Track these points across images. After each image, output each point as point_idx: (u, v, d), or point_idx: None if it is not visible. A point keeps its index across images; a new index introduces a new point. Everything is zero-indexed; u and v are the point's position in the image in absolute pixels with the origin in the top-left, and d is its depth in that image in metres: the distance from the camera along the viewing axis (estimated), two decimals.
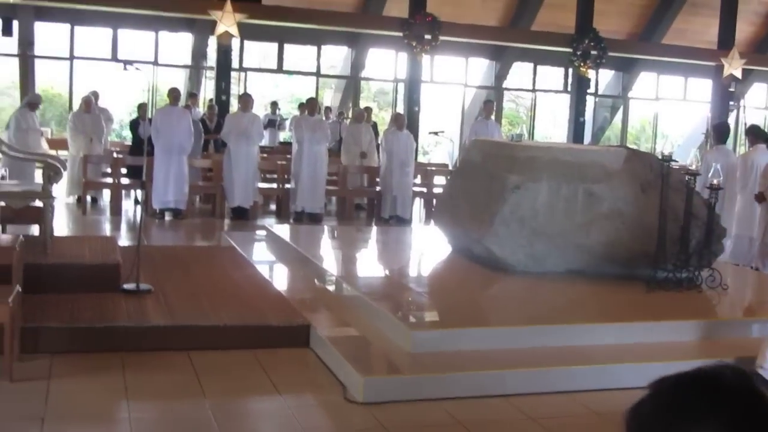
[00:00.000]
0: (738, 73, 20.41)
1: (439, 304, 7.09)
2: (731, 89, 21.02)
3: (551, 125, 26.94)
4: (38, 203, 7.38)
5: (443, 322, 6.48)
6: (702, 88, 23.23)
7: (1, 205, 7.50)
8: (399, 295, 7.19)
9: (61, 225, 11.06)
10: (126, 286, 6.83)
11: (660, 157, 7.59)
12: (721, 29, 20.50)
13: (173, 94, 12.81)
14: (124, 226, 11.98)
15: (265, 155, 15.28)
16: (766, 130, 20.62)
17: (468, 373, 5.37)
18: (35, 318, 5.89)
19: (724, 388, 1.24)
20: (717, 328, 6.47)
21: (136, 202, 13.10)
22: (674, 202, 7.50)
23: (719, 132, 10.99)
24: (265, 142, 16.49)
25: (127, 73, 7.26)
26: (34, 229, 8.39)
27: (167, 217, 12.58)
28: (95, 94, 14.67)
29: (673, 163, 7.64)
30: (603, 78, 23.64)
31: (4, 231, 8.41)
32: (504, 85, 22.85)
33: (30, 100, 13.49)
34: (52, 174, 7.26)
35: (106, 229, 11.63)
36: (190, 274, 7.84)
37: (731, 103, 22.04)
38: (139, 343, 5.91)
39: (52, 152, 16.47)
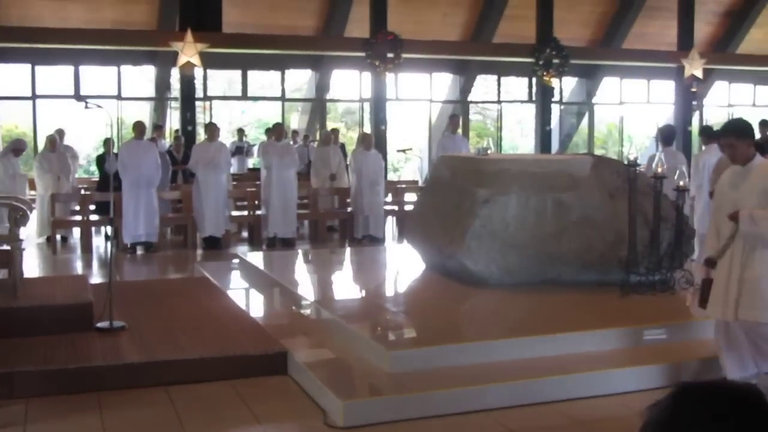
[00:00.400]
0: (699, 73, 20.63)
1: (415, 322, 7.08)
2: (693, 89, 21.22)
3: (519, 135, 27.10)
4: (6, 247, 7.30)
5: (420, 340, 6.47)
6: (665, 90, 23.46)
7: None
8: (374, 316, 7.18)
9: (32, 266, 10.95)
10: (99, 324, 6.78)
11: (626, 162, 7.64)
12: (679, 31, 20.73)
13: (138, 127, 12.75)
14: (95, 263, 11.87)
15: (234, 182, 15.25)
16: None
17: (448, 391, 5.36)
18: (8, 363, 5.82)
19: (736, 400, 1.40)
20: (692, 329, 6.51)
21: (107, 238, 12.98)
22: (643, 206, 7.56)
23: (665, 135, 11.11)
24: (233, 169, 16.44)
25: (90, 109, 7.19)
26: (4, 273, 8.29)
27: (139, 251, 12.49)
28: (60, 133, 14.58)
29: (638, 168, 7.70)
30: (567, 85, 23.81)
31: None
32: (469, 99, 22.96)
33: (15, 146, 13.28)
34: (18, 216, 7.19)
35: (78, 268, 11.52)
36: (164, 308, 7.78)
37: (694, 103, 22.27)
38: (115, 381, 5.84)
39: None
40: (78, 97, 16.82)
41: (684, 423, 1.41)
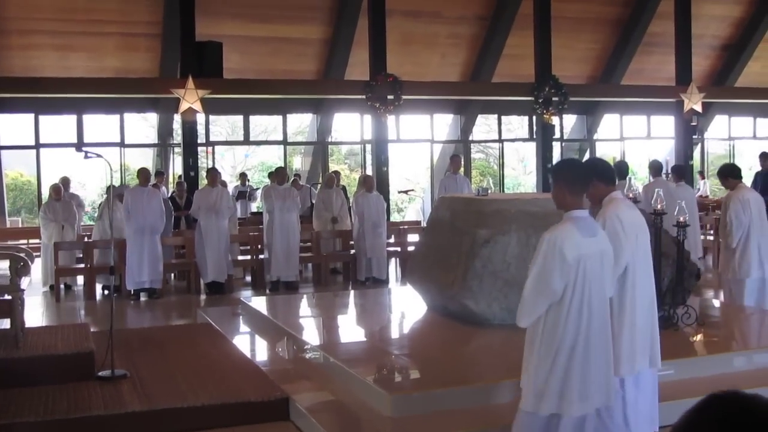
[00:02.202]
0: (698, 107, 20.70)
1: (417, 365, 7.04)
2: (693, 123, 21.28)
3: (522, 173, 27.18)
4: (7, 297, 7.30)
5: (422, 383, 6.45)
6: (665, 125, 23.54)
7: None
8: (376, 360, 7.15)
9: (35, 314, 10.96)
10: (101, 373, 6.77)
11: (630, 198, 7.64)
12: (678, 65, 20.83)
13: (143, 174, 12.82)
14: (98, 312, 11.86)
15: (239, 227, 15.29)
16: (730, 161, 20.95)
17: None
18: (9, 414, 5.81)
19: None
20: (696, 365, 6.47)
21: (104, 288, 12.98)
22: None
23: (619, 170, 11.71)
24: (237, 214, 16.48)
25: (92, 159, 7.24)
26: (6, 323, 8.29)
27: (143, 297, 12.49)
28: (65, 181, 14.66)
29: (638, 204, 7.69)
30: (568, 122, 23.92)
31: None
32: (470, 138, 23.05)
33: (118, 192, 12.93)
34: (19, 267, 7.20)
35: (81, 316, 11.51)
36: (167, 355, 7.77)
37: (695, 137, 22.32)
38: (116, 430, 5.82)
39: (22, 242, 16.45)
40: (78, 146, 16.89)
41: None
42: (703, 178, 21.25)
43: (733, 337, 8.10)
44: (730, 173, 9.62)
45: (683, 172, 11.25)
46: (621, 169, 11.74)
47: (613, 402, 4.60)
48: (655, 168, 12.40)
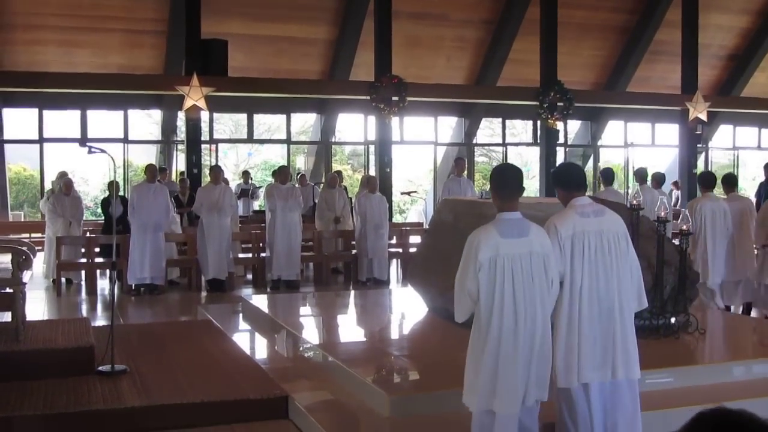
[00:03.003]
0: (703, 116, 20.71)
1: (417, 367, 7.03)
2: (698, 132, 21.28)
3: (525, 177, 27.15)
4: (9, 290, 7.31)
5: (421, 384, 6.45)
6: (670, 132, 23.54)
7: None
8: (376, 360, 7.15)
9: (37, 308, 10.96)
10: (101, 368, 6.77)
11: (629, 206, 7.64)
12: (683, 74, 20.84)
13: (150, 170, 12.83)
14: (100, 306, 11.86)
15: (240, 224, 15.29)
16: (734, 171, 20.95)
17: None
18: (8, 407, 5.81)
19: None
20: (697, 374, 6.46)
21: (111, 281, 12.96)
22: (646, 250, 7.53)
23: (605, 176, 12.59)
24: (239, 211, 16.50)
25: (95, 154, 7.25)
26: (7, 316, 8.30)
27: (144, 293, 12.50)
28: (68, 180, 14.63)
29: (641, 211, 7.69)
30: (572, 128, 23.93)
31: None
32: (474, 141, 23.05)
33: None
34: (21, 260, 7.20)
35: (83, 310, 11.51)
36: (166, 351, 7.77)
37: (699, 145, 22.31)
38: (115, 425, 5.82)
39: (24, 236, 16.46)
40: (81, 141, 16.91)
41: None
42: (678, 188, 21.13)
43: (734, 346, 8.10)
44: (701, 182, 10.15)
45: (611, 177, 12.14)
46: (607, 176, 12.53)
47: (543, 399, 4.66)
48: (606, 176, 12.62)
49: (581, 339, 4.79)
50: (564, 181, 5.16)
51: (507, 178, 4.78)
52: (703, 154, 24.58)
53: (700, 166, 22.54)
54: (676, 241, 8.11)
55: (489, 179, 4.92)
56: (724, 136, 25.62)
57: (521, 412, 4.57)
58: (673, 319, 7.35)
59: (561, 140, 22.28)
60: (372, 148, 20.84)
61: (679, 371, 6.41)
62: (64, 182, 13.77)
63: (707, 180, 10.63)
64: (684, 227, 7.45)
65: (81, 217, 13.90)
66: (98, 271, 13.16)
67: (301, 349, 7.80)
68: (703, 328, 7.47)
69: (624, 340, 4.87)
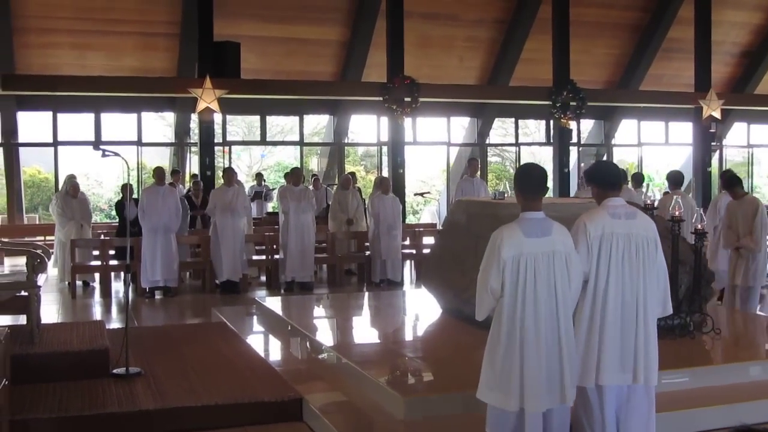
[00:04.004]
0: (717, 114, 20.59)
1: (431, 368, 7.02)
2: (712, 130, 21.17)
3: None
4: (24, 293, 7.33)
5: (435, 386, 6.43)
6: (684, 130, 23.43)
7: None
8: (390, 362, 7.14)
9: (51, 311, 11.02)
10: (115, 370, 6.78)
11: (643, 205, 7.60)
12: (697, 72, 20.72)
13: (158, 173, 12.85)
14: (114, 308, 11.89)
15: (254, 226, 15.31)
16: (748, 169, 20.81)
17: None
18: (24, 409, 5.83)
19: None
20: (713, 374, 6.41)
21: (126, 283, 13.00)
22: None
23: (636, 178, 13.34)
24: (252, 213, 16.51)
25: (109, 157, 7.27)
26: (22, 319, 8.33)
27: (158, 295, 12.53)
28: (72, 179, 14.59)
29: (655, 211, 7.65)
30: (585, 127, 23.85)
31: None
32: (487, 141, 23.00)
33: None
34: (36, 263, 7.23)
35: (97, 313, 11.55)
36: (181, 354, 7.78)
37: (713, 143, 22.19)
38: (130, 428, 5.84)
39: (39, 238, 16.52)
40: (95, 144, 16.96)
41: None
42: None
43: (751, 346, 8.04)
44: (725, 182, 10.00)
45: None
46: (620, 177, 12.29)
47: (567, 403, 4.65)
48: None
49: (602, 341, 4.77)
50: (599, 179, 5.14)
51: (532, 177, 4.78)
52: (717, 152, 24.46)
53: (714, 165, 22.42)
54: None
55: (513, 178, 4.91)
56: (738, 133, 25.48)
57: (552, 411, 4.60)
58: (688, 319, 7.31)
59: (574, 140, 22.19)
60: (385, 149, 20.82)
61: (695, 371, 6.37)
62: (72, 185, 13.80)
63: (675, 179, 10.93)
64: (699, 226, 7.41)
65: (90, 219, 13.95)
66: (112, 274, 13.20)
67: (315, 351, 7.80)
68: (718, 328, 7.42)
69: (646, 346, 4.83)
